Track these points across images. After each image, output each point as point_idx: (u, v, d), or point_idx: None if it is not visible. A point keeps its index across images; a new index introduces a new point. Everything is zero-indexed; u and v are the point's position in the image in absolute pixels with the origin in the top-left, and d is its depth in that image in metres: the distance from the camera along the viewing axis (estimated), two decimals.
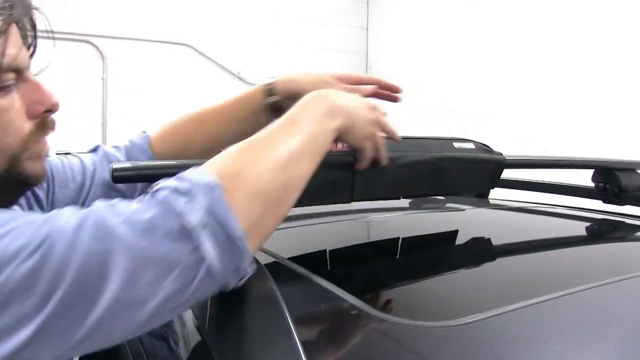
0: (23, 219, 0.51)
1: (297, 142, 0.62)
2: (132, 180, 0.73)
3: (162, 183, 0.55)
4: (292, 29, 4.50)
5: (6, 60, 0.58)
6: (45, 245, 0.48)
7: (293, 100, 0.72)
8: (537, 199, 1.47)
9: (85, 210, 0.53)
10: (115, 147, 0.96)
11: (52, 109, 0.65)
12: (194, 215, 0.51)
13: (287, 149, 0.61)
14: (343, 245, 1.02)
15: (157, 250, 0.50)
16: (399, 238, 1.04)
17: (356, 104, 0.73)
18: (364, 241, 1.14)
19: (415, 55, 4.38)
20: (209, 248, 0.51)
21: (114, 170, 0.71)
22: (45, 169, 0.68)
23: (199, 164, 0.61)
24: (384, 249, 0.98)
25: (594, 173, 1.32)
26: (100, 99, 3.92)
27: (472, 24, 3.94)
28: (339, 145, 0.80)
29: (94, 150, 0.93)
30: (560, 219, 1.32)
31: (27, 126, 0.62)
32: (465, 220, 1.26)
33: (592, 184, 1.33)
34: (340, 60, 4.74)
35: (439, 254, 0.96)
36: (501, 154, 0.98)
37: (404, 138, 0.86)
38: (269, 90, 0.91)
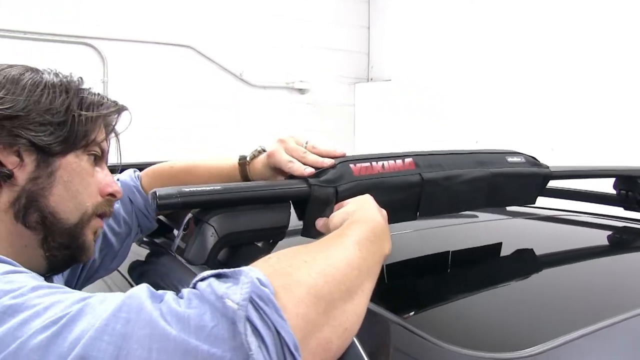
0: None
1: (354, 253, 0.62)
2: (176, 207, 0.71)
3: (213, 282, 0.52)
4: (293, 29, 4.48)
5: (99, 137, 0.78)
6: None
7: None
8: (557, 205, 1.48)
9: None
10: None
11: (116, 195, 0.81)
12: (243, 314, 0.48)
13: (344, 257, 0.60)
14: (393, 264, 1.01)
15: (203, 350, 0.47)
16: (447, 255, 1.03)
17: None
18: (412, 260, 1.12)
19: (417, 54, 4.37)
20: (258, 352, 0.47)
21: (160, 197, 0.69)
22: (94, 251, 0.81)
23: (246, 188, 0.70)
24: (434, 267, 0.97)
25: (616, 180, 1.33)
26: None
27: (475, 23, 3.94)
28: (398, 162, 0.85)
29: None
30: (602, 230, 1.32)
31: (98, 198, 0.79)
32: (511, 232, 1.25)
33: (612, 191, 1.35)
34: (341, 60, 4.73)
35: (487, 269, 0.96)
36: (547, 167, 1.02)
37: (461, 153, 0.92)
38: (244, 169, 0.97)
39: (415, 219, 0.86)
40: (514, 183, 0.97)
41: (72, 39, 3.73)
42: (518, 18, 3.66)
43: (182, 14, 4.06)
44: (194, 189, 0.72)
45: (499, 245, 1.06)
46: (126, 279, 1.13)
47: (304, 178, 0.80)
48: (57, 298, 0.52)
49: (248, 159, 0.96)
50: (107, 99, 0.81)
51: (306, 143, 0.88)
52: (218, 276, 0.52)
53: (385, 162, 0.85)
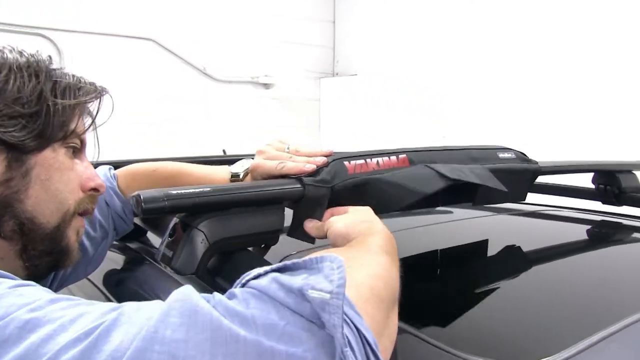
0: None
1: (390, 263, 0.59)
2: (163, 211, 0.64)
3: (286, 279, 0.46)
4: (258, 23, 4.40)
5: (78, 127, 0.70)
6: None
7: None
8: (536, 199, 1.48)
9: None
10: None
11: (99, 189, 0.74)
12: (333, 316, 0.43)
13: (388, 267, 0.58)
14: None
15: (280, 351, 0.42)
16: (436, 255, 1.01)
17: None
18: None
19: (383, 49, 4.36)
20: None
21: (145, 200, 0.62)
22: (78, 255, 0.73)
23: (237, 189, 0.67)
24: (425, 269, 0.94)
25: (595, 175, 1.34)
26: None
27: (440, 17, 3.95)
28: (392, 159, 0.83)
29: None
30: (587, 225, 1.32)
31: (80, 194, 0.71)
32: (500, 230, 1.23)
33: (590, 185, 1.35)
34: (306, 55, 4.68)
35: (483, 269, 0.94)
36: (537, 163, 1.01)
37: (453, 149, 0.91)
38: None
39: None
40: (506, 179, 0.95)
41: (25, 29, 3.56)
42: (486, 10, 3.69)
43: (143, 6, 3.93)
44: (182, 191, 0.66)
45: (487, 244, 1.04)
46: (97, 288, 1.06)
47: (298, 177, 0.76)
48: (82, 310, 0.45)
49: (241, 176, 0.89)
50: (84, 81, 0.72)
51: (287, 148, 0.83)
52: (281, 270, 0.47)
53: (380, 159, 0.83)
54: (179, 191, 0.66)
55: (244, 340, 0.41)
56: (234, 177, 0.89)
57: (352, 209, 0.73)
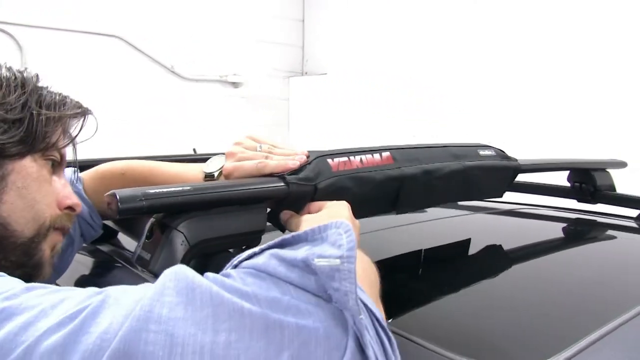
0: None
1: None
2: (141, 211, 0.60)
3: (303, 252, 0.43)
4: (226, 21, 4.34)
5: (60, 141, 0.68)
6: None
7: None
8: (512, 198, 1.48)
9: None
10: None
11: (75, 209, 0.72)
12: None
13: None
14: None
15: (290, 323, 0.39)
16: (419, 255, 1.00)
17: None
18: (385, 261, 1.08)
19: (353, 48, 4.35)
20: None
21: (122, 200, 0.58)
22: (51, 270, 0.70)
23: (219, 188, 0.65)
24: (405, 268, 0.92)
25: (570, 173, 1.35)
26: None
27: (408, 15, 3.96)
28: (376, 156, 0.81)
29: None
30: (564, 223, 1.32)
31: (56, 210, 0.69)
32: (481, 229, 1.23)
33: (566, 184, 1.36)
34: (275, 54, 4.64)
35: (467, 268, 0.93)
36: (516, 160, 1.01)
37: (435, 147, 0.91)
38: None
39: (391, 213, 0.84)
40: (486, 176, 0.96)
41: None
42: (455, 7, 3.71)
43: (108, 1, 3.83)
44: (161, 190, 0.62)
45: (469, 243, 1.04)
46: None
47: (280, 176, 0.73)
48: (63, 295, 0.43)
49: (215, 175, 0.83)
50: (70, 99, 0.72)
51: (260, 147, 0.79)
52: (280, 245, 0.44)
53: (363, 157, 0.81)
54: (157, 190, 0.62)
55: (249, 314, 0.38)
56: (208, 177, 0.84)
57: (328, 204, 0.71)
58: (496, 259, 0.99)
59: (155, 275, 0.64)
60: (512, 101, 3.36)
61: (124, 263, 0.99)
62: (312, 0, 4.72)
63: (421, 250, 1.02)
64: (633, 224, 1.26)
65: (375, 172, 0.80)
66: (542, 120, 3.26)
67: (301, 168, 0.75)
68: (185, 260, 0.64)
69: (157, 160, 0.99)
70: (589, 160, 1.33)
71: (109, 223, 1.02)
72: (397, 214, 0.87)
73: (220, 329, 0.38)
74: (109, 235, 1.10)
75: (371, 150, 0.83)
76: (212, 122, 4.20)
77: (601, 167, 1.32)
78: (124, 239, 1.11)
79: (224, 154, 0.83)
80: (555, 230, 1.25)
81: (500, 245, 1.05)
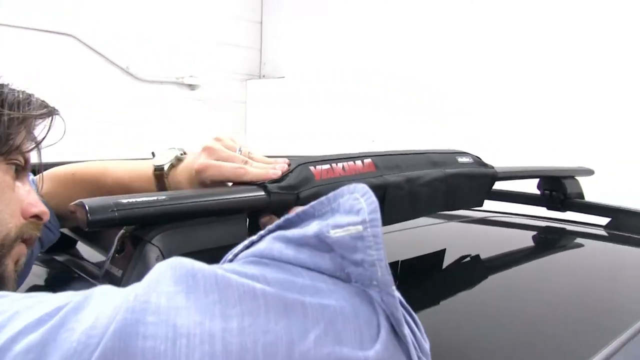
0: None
1: None
2: (113, 223, 0.55)
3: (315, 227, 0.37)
4: (183, 22, 4.23)
5: (24, 144, 0.64)
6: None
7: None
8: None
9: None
10: None
11: (42, 217, 0.67)
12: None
13: None
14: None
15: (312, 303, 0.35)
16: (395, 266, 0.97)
17: None
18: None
19: (311, 51, 4.32)
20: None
21: (91, 211, 0.53)
22: (15, 286, 0.64)
23: (196, 197, 0.61)
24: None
25: (540, 181, 1.35)
26: None
27: (368, 19, 3.96)
28: (358, 163, 0.78)
29: None
30: (535, 232, 1.32)
31: (21, 220, 0.64)
32: (458, 237, 1.22)
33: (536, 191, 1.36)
34: (233, 56, 4.56)
35: (436, 279, 0.91)
36: (493, 167, 0.99)
37: (415, 153, 0.88)
38: (162, 182, 0.80)
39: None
40: (467, 184, 0.94)
41: None
42: (416, 8, 3.73)
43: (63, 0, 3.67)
44: (134, 200, 0.57)
45: (444, 254, 1.01)
46: None
47: (261, 184, 0.68)
48: (39, 298, 0.37)
49: (165, 169, 0.78)
50: (35, 97, 0.68)
51: (239, 149, 0.75)
52: (284, 227, 0.39)
53: (346, 164, 0.78)
54: (130, 200, 0.57)
55: (262, 294, 0.33)
56: (158, 169, 0.79)
57: None
58: (470, 270, 0.97)
59: None
60: (506, 102, 3.39)
61: (83, 274, 0.92)
62: (270, 3, 4.66)
63: (397, 262, 0.99)
64: (603, 232, 1.27)
65: (358, 181, 0.77)
66: (541, 121, 3.23)
67: (283, 177, 0.71)
68: None
69: None
70: (559, 167, 1.33)
71: (66, 231, 0.95)
72: (383, 225, 0.84)
73: (231, 314, 0.33)
74: (67, 245, 1.03)
75: (352, 157, 0.80)
76: (168, 125, 4.09)
77: (570, 175, 1.32)
78: (83, 248, 1.04)
79: (184, 153, 0.80)
80: (528, 239, 1.25)
81: (478, 255, 1.03)
